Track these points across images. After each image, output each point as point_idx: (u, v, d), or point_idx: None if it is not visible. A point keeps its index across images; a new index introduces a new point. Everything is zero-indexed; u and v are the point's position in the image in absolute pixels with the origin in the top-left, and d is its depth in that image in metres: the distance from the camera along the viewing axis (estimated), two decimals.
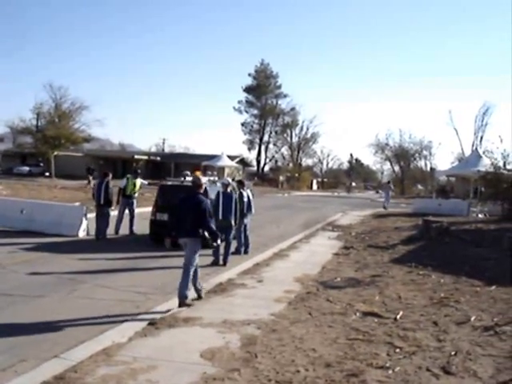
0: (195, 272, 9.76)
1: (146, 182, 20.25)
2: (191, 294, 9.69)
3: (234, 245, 15.69)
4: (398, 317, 8.81)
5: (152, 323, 8.10)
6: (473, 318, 8.70)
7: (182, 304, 9.28)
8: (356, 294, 10.59)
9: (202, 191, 10.29)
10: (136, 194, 19.69)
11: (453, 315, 9.01)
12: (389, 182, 50.50)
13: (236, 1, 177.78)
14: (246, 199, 15.77)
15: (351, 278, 12.31)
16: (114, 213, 18.81)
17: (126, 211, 19.04)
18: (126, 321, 8.35)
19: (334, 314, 8.98)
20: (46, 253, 14.59)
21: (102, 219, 17.67)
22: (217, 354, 6.73)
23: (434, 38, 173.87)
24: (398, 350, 7.08)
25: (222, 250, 13.94)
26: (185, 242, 9.85)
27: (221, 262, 14.13)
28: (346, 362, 6.59)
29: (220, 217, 14.18)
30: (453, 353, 6.98)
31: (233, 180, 21.50)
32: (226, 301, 9.86)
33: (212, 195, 16.43)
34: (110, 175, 18.50)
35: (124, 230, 18.65)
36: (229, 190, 14.98)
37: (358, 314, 9.04)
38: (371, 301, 10.03)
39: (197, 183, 10.39)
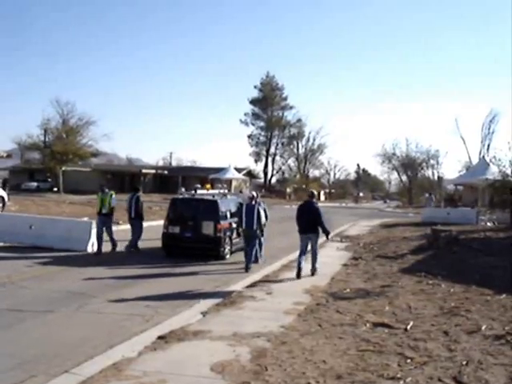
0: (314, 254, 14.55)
1: (114, 200, 18.24)
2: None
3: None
4: (409, 327, 8.77)
5: (162, 337, 8.08)
6: (484, 327, 8.65)
7: (314, 274, 14.26)
8: (366, 305, 10.55)
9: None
10: (105, 211, 18.01)
11: (463, 324, 8.96)
12: (430, 194, 50.52)
13: (242, 14, 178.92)
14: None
15: (360, 289, 12.26)
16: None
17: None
18: (136, 335, 8.34)
19: (344, 326, 8.94)
20: (55, 268, 14.63)
21: (133, 231, 18.47)
22: (227, 367, 6.71)
23: (439, 46, 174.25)
24: (408, 361, 7.03)
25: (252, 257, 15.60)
26: (309, 236, 14.34)
27: (252, 265, 15.39)
28: (357, 374, 6.56)
29: (243, 226, 15.61)
30: (464, 362, 6.93)
31: (240, 192, 21.54)
32: (235, 313, 9.83)
33: (223, 208, 16.75)
34: (141, 190, 19.64)
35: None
36: (253, 202, 15.88)
37: (368, 324, 9.00)
38: (381, 311, 9.99)
39: (311, 193, 15.70)
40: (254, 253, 15.73)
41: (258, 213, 15.70)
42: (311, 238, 14.42)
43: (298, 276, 13.86)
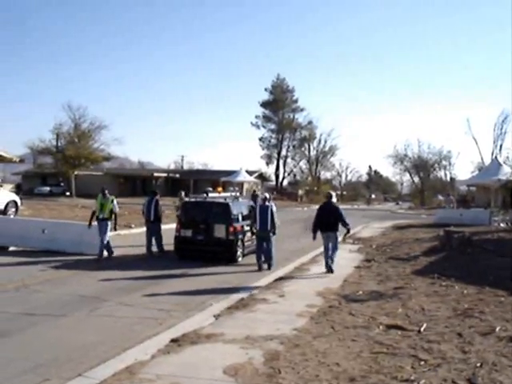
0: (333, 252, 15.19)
1: (116, 206, 17.68)
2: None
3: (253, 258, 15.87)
4: (422, 329, 8.72)
5: (174, 340, 8.08)
6: (498, 329, 8.58)
7: (329, 271, 14.93)
8: (379, 307, 10.50)
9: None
10: (103, 215, 17.34)
11: (477, 326, 8.90)
12: (449, 195, 50.34)
13: (252, 16, 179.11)
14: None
15: (373, 291, 12.21)
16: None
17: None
18: (149, 338, 8.35)
19: (357, 328, 8.91)
20: (68, 272, 14.68)
21: (153, 235, 18.65)
22: (240, 371, 6.69)
23: (451, 48, 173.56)
24: (422, 363, 6.99)
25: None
26: (329, 235, 15.08)
27: (265, 267, 15.95)
28: (371, 376, 6.53)
29: (258, 227, 16.09)
30: (478, 364, 6.88)
31: (253, 194, 21.62)
32: (248, 316, 9.82)
33: (235, 210, 16.82)
34: (159, 194, 19.64)
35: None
36: (267, 203, 16.35)
37: (381, 327, 8.96)
38: (394, 313, 9.94)
39: (329, 194, 16.16)
40: (271, 254, 16.08)
41: (272, 214, 16.11)
42: (331, 236, 15.15)
43: (328, 271, 15.00)
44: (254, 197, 20.05)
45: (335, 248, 15.33)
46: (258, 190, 67.63)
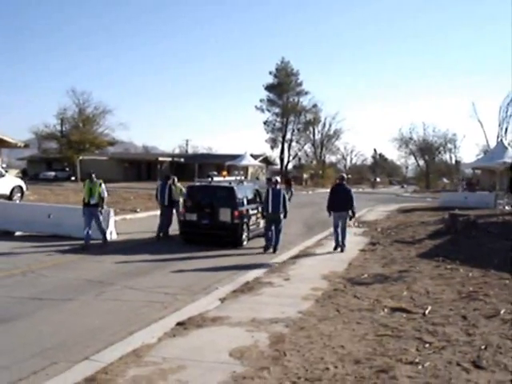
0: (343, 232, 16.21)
1: (104, 191, 16.62)
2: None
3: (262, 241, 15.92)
4: (427, 312, 8.75)
5: (180, 323, 8.13)
6: (502, 312, 8.60)
7: (339, 247, 16.06)
8: (384, 290, 10.54)
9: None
10: (94, 201, 16.39)
11: (482, 309, 8.92)
12: (462, 179, 50.29)
13: (258, 3, 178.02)
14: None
15: (378, 274, 12.24)
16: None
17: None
18: (155, 322, 8.41)
19: (362, 311, 8.95)
20: (74, 256, 14.74)
21: (165, 218, 18.80)
22: (246, 353, 6.74)
23: (457, 32, 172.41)
24: (427, 345, 7.02)
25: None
26: (341, 214, 16.03)
27: (271, 249, 16.19)
28: (376, 359, 6.56)
29: (270, 210, 16.30)
30: (483, 347, 6.91)
31: (257, 179, 21.71)
32: (253, 299, 9.86)
33: (239, 194, 16.90)
34: (174, 178, 19.63)
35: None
36: (278, 186, 16.76)
37: (386, 309, 8.99)
38: (399, 296, 9.97)
39: (342, 177, 17.24)
40: (279, 237, 16.35)
41: (284, 197, 16.53)
42: (342, 215, 16.12)
43: (336, 248, 16.12)
44: (268, 180, 20.03)
45: (344, 229, 16.25)
46: (262, 174, 67.66)
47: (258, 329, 7.83)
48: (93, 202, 16.48)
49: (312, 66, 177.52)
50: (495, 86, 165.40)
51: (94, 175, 16.73)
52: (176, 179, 19.48)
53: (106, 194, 16.95)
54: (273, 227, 16.33)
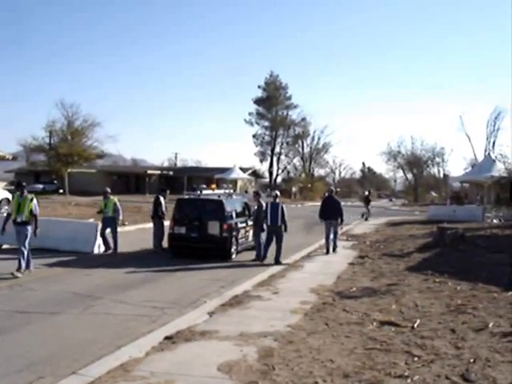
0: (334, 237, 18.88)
1: (35, 205, 14.03)
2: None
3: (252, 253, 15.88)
4: (416, 325, 8.75)
5: (169, 337, 8.09)
6: (491, 325, 8.62)
7: (335, 250, 18.81)
8: (372, 304, 10.53)
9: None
10: (22, 219, 13.88)
11: (470, 322, 8.93)
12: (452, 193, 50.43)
13: (245, 14, 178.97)
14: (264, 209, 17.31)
15: (367, 288, 12.24)
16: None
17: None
18: (143, 336, 8.36)
19: (351, 324, 8.93)
20: (62, 269, 14.67)
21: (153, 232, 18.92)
22: (234, 367, 6.71)
23: (443, 46, 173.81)
24: (416, 359, 7.02)
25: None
26: (331, 222, 18.48)
27: (268, 261, 16.60)
28: (365, 372, 6.55)
29: (269, 223, 16.75)
30: (471, 360, 6.91)
31: (246, 192, 21.82)
32: (242, 313, 9.83)
33: (228, 207, 16.95)
34: (168, 191, 19.91)
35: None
36: (277, 200, 17.40)
37: (374, 323, 8.99)
38: (388, 310, 9.97)
39: (331, 190, 20.76)
40: (280, 249, 16.64)
41: (282, 210, 16.87)
42: (333, 223, 18.60)
43: (328, 252, 18.35)
44: (256, 194, 19.92)
45: (336, 233, 19.00)
46: (250, 187, 67.68)
47: (247, 343, 7.79)
48: (20, 219, 13.89)
49: (301, 79, 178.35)
50: (483, 100, 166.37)
51: (26, 189, 14.31)
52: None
53: (38, 211, 14.16)
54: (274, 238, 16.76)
